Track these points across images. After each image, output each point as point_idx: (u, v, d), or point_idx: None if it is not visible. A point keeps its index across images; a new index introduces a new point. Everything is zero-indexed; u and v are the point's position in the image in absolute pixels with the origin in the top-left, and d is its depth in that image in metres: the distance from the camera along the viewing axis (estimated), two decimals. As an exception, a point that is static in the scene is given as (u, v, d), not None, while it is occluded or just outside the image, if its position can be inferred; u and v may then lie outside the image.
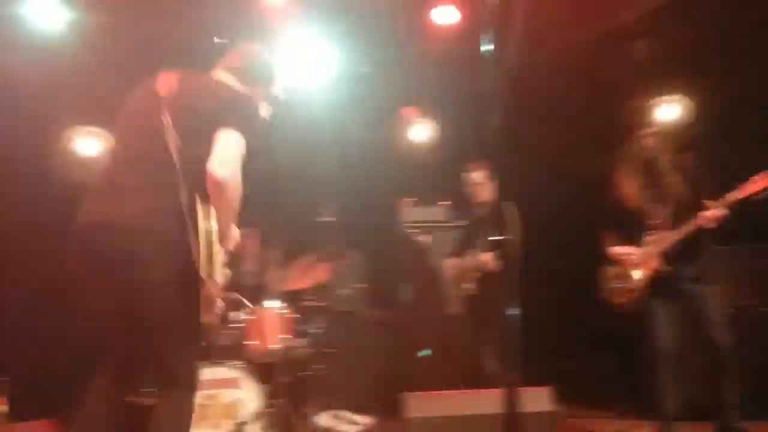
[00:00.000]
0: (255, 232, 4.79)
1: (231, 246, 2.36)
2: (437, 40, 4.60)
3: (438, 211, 5.28)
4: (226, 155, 2.12)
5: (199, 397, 3.76)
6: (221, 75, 2.47)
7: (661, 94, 5.02)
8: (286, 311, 4.21)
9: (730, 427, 3.25)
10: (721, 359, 3.25)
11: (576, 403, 4.50)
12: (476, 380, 4.06)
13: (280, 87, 2.63)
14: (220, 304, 2.25)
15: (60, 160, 4.79)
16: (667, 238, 3.39)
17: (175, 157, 2.14)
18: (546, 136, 4.85)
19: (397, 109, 5.51)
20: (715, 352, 3.26)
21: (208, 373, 3.88)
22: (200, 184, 2.13)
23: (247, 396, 3.87)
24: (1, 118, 4.31)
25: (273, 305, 4.19)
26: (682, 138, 3.93)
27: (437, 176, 5.44)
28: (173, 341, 2.19)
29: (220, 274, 2.24)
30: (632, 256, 3.53)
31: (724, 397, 3.27)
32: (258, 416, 3.82)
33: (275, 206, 5.02)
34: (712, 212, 3.22)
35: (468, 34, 4.40)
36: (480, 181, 4.25)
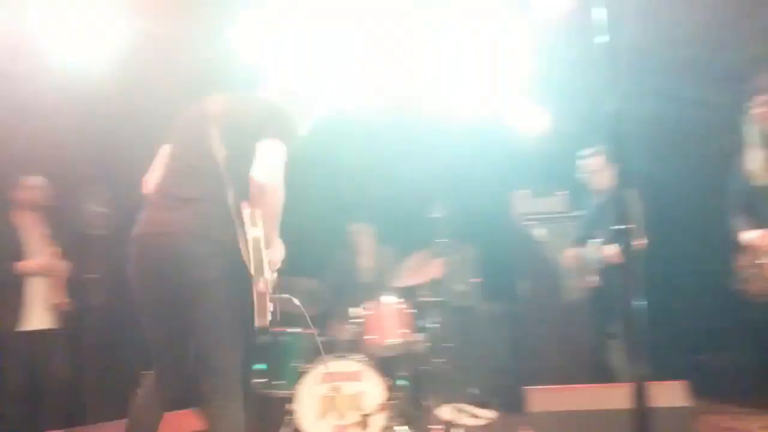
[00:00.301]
0: (369, 229, 4.92)
1: (276, 261, 2.47)
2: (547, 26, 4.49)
3: (554, 202, 5.14)
4: (267, 162, 2.28)
5: (325, 388, 4.00)
6: (265, 93, 2.68)
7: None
8: (403, 306, 4.30)
9: None
10: None
11: (712, 399, 4.25)
12: (601, 374, 3.93)
13: (322, 106, 2.80)
14: (270, 305, 2.32)
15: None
16: None
17: (222, 168, 2.33)
18: (666, 118, 4.59)
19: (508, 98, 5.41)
20: None
21: (332, 366, 4.06)
22: (246, 192, 2.29)
23: (369, 389, 4.01)
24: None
25: (390, 301, 4.29)
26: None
27: (552, 165, 5.30)
28: (226, 342, 2.29)
29: (269, 277, 2.33)
30: (765, 241, 3.26)
31: None
32: (381, 408, 3.94)
33: (388, 203, 5.13)
34: None
35: (580, 17, 4.25)
36: (597, 168, 4.10)
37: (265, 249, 2.29)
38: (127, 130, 4.59)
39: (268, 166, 2.27)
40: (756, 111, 3.31)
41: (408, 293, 4.50)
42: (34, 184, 3.95)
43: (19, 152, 4.34)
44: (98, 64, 3.95)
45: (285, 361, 4.26)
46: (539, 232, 5.03)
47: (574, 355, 4.39)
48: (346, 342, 4.29)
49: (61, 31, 3.76)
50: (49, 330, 3.82)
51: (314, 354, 4.29)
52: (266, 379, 4.22)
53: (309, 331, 4.37)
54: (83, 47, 3.86)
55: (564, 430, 3.37)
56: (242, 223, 2.27)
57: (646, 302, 2.00)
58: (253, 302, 2.21)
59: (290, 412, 3.99)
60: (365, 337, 4.18)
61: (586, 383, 3.74)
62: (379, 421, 3.93)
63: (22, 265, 3.75)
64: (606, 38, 1.83)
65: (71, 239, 4.05)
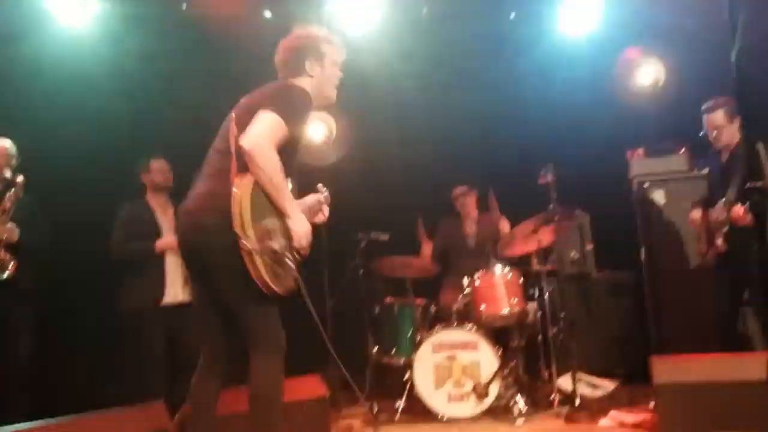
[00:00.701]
0: (472, 193, 4.86)
1: (298, 234, 2.46)
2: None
3: (674, 161, 4.82)
4: (255, 130, 2.37)
5: (440, 358, 4.06)
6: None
7: None
8: (514, 275, 4.24)
9: None
10: None
11: None
12: (733, 343, 3.69)
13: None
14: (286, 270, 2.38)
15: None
16: None
17: (232, 147, 2.42)
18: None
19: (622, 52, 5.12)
20: None
21: (446, 335, 4.10)
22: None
23: (484, 358, 4.01)
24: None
25: (501, 270, 4.25)
26: None
27: (671, 122, 4.96)
28: (249, 304, 2.40)
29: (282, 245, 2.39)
30: None
31: None
32: (496, 377, 3.94)
33: (499, 168, 5.04)
34: None
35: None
36: (721, 123, 3.78)
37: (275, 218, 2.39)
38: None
39: (252, 135, 2.36)
40: None
41: (520, 262, 4.43)
42: (160, 167, 4.24)
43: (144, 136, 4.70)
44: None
45: (400, 330, 4.36)
46: (658, 195, 4.74)
47: (702, 323, 4.13)
48: (459, 311, 4.31)
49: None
50: (187, 303, 4.11)
51: (428, 324, 4.37)
52: (383, 348, 4.35)
53: (420, 301, 4.45)
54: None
55: (693, 403, 3.21)
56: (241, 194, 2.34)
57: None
58: (244, 264, 2.28)
59: (407, 381, 4.09)
60: (478, 306, 4.18)
61: (717, 353, 3.51)
62: (494, 389, 3.94)
63: (160, 244, 4.07)
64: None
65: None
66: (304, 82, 2.65)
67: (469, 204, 4.88)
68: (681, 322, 4.37)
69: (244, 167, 2.37)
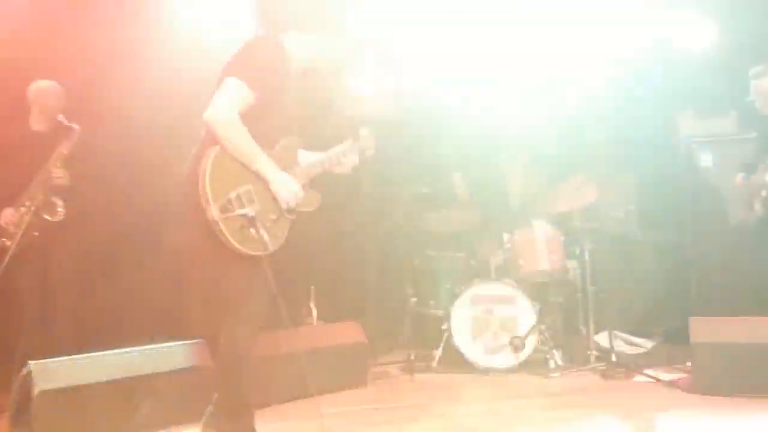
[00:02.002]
0: (519, 152, 4.81)
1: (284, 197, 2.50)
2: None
3: (723, 123, 4.72)
4: (215, 100, 2.40)
5: (478, 311, 4.13)
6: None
7: None
8: (555, 232, 4.26)
9: None
10: None
11: None
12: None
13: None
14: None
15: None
16: None
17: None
18: None
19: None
20: None
21: (484, 288, 4.17)
22: None
23: (521, 312, 4.08)
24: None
25: (542, 226, 4.26)
26: None
27: (721, 83, 4.83)
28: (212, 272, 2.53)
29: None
30: None
31: None
32: (533, 331, 4.01)
33: (545, 125, 4.98)
34: None
35: None
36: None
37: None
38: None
39: (212, 106, 2.39)
40: None
41: (562, 219, 4.43)
42: None
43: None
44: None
45: (439, 282, 4.44)
46: (706, 156, 4.67)
47: (743, 285, 4.12)
48: (498, 266, 4.36)
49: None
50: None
51: (467, 276, 4.43)
52: (422, 299, 4.45)
53: (459, 254, 4.50)
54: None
55: (728, 363, 3.24)
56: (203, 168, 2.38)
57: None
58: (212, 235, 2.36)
59: (445, 331, 4.19)
60: (517, 261, 4.22)
61: (754, 315, 3.52)
62: (530, 343, 4.01)
63: None
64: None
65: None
66: (290, 36, 2.60)
67: (515, 159, 4.84)
68: (721, 283, 4.36)
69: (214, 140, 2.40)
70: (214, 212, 2.33)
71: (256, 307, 2.54)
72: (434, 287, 4.45)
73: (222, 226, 2.34)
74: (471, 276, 4.43)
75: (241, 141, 2.40)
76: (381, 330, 4.70)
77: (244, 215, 2.39)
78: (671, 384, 3.57)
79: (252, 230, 2.40)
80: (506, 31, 4.96)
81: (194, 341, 3.23)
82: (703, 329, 3.39)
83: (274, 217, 2.49)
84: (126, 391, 2.92)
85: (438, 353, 4.21)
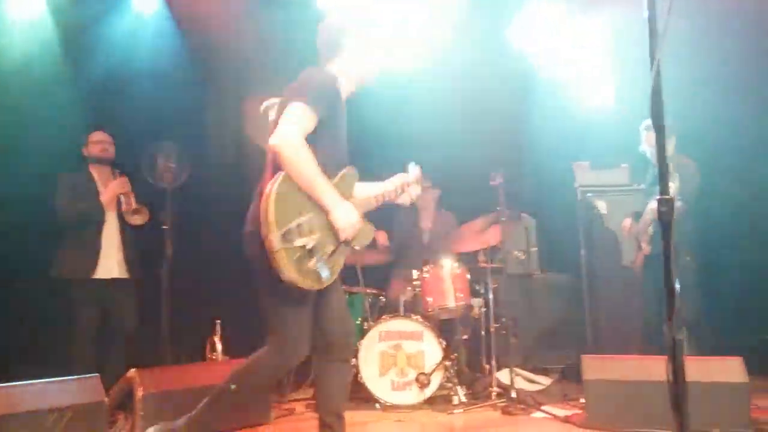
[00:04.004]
0: (434, 189, 4.97)
1: (343, 228, 2.45)
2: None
3: (616, 174, 5.10)
4: (280, 125, 2.35)
5: (386, 346, 4.16)
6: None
7: None
8: (461, 270, 4.40)
9: None
10: None
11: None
12: (658, 343, 3.95)
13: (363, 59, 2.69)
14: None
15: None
16: None
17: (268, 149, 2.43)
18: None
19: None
20: None
21: (393, 324, 4.21)
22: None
23: (428, 348, 4.15)
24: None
25: (449, 264, 4.39)
26: None
27: (616, 137, 5.24)
28: (267, 305, 2.49)
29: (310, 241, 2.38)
30: None
31: None
32: (439, 368, 4.08)
33: (452, 167, 5.18)
34: None
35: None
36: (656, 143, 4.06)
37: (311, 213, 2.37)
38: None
39: (278, 130, 2.34)
40: None
41: (467, 258, 4.59)
42: (100, 139, 4.18)
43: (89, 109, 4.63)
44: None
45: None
46: (600, 204, 5.02)
47: (633, 324, 4.41)
48: (407, 302, 4.43)
49: None
50: (121, 279, 4.08)
51: (376, 313, 4.47)
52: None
53: (371, 290, 4.54)
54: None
55: (619, 399, 3.41)
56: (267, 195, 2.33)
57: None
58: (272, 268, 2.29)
59: (353, 367, 4.17)
60: (425, 298, 4.31)
61: (644, 353, 3.76)
62: (436, 380, 4.08)
63: (105, 195, 4.07)
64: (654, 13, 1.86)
65: (142, 191, 4.28)
66: (339, 65, 2.62)
67: (428, 200, 4.99)
68: (614, 323, 4.64)
69: (278, 168, 2.35)
70: (275, 241, 2.24)
71: (292, 340, 2.47)
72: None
73: (281, 256, 2.25)
74: (380, 312, 4.48)
75: (306, 167, 2.33)
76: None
77: (303, 246, 2.31)
78: (566, 420, 3.71)
79: (309, 262, 2.32)
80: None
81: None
82: (595, 367, 3.56)
83: (331, 248, 2.41)
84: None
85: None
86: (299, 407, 4.16)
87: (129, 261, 4.15)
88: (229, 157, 5.37)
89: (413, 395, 4.07)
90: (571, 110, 5.30)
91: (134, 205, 4.11)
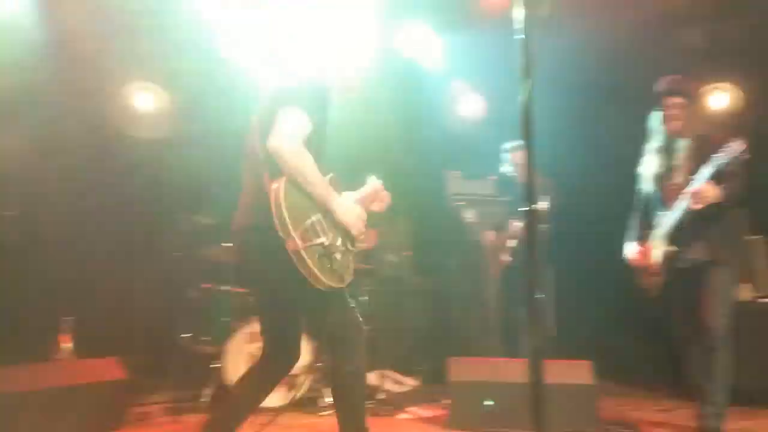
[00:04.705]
0: None
1: (350, 224, 2.47)
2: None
3: (484, 185, 5.33)
4: (280, 128, 2.34)
5: (254, 347, 4.02)
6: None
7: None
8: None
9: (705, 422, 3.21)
10: (710, 343, 3.18)
11: (616, 381, 4.58)
12: (516, 349, 4.18)
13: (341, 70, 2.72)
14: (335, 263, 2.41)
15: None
16: (671, 219, 3.28)
17: (259, 151, 2.42)
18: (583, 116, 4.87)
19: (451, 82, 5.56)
20: (706, 335, 3.18)
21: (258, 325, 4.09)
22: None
23: (298, 350, 4.07)
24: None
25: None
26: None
27: (486, 150, 5.48)
28: (279, 306, 2.51)
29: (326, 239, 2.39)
30: (638, 258, 3.44)
31: (705, 383, 3.21)
32: (307, 370, 4.02)
33: (331, 170, 5.14)
34: (696, 189, 3.06)
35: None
36: (521, 161, 4.32)
37: (309, 212, 2.35)
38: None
39: (278, 134, 2.32)
40: (659, 114, 3.33)
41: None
42: None
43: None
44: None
45: (215, 317, 4.26)
46: (469, 213, 5.21)
47: (494, 329, 4.63)
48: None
49: None
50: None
51: (246, 313, 4.32)
52: (193, 335, 4.22)
53: (240, 289, 4.39)
54: None
55: (483, 400, 3.55)
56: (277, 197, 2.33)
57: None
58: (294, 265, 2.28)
59: (216, 369, 4.01)
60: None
61: (506, 357, 3.95)
62: (304, 382, 4.02)
63: None
64: (522, 36, 1.96)
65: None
66: (321, 72, 2.62)
67: None
68: (480, 326, 4.84)
69: (278, 170, 2.33)
70: (298, 240, 2.24)
71: (294, 342, 2.57)
72: (209, 323, 4.26)
73: (305, 255, 2.24)
74: (251, 312, 4.34)
75: (309, 171, 2.33)
76: (147, 367, 4.36)
77: (320, 244, 2.31)
78: (430, 420, 3.81)
79: (327, 261, 2.34)
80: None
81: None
82: (460, 369, 3.69)
83: (342, 248, 2.43)
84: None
85: (207, 392, 4.01)
86: (156, 411, 3.93)
87: None
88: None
89: (280, 397, 3.96)
90: (446, 120, 5.48)
91: None
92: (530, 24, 1.98)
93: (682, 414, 3.73)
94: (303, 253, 2.25)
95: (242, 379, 2.60)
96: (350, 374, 2.51)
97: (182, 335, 4.21)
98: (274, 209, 2.28)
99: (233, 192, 4.87)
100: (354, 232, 2.48)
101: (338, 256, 2.40)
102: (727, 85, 5.00)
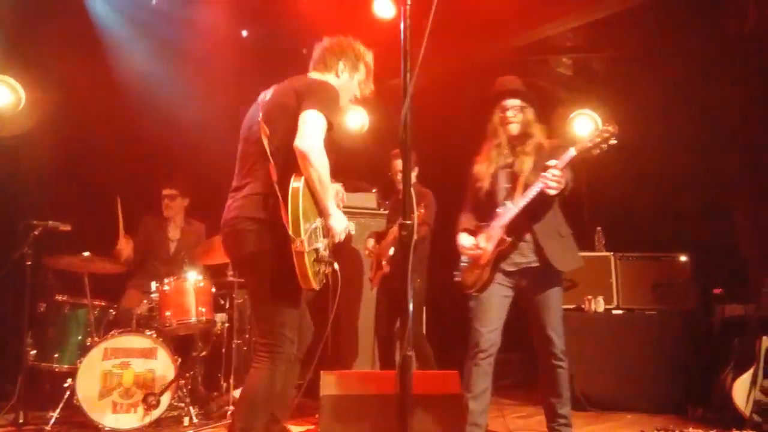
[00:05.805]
0: (181, 201, 4.67)
1: (335, 230, 2.56)
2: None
3: (365, 198, 5.36)
4: (306, 131, 2.41)
5: (111, 365, 3.75)
6: (313, 74, 2.79)
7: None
8: (205, 284, 4.16)
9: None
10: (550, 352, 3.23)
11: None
12: (392, 360, 4.19)
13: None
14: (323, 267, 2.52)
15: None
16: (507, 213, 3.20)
17: (266, 147, 2.49)
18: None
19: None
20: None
21: (123, 341, 3.81)
22: (292, 164, 2.44)
23: (161, 366, 3.83)
24: None
25: (193, 277, 4.12)
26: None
27: (366, 163, 5.52)
28: (272, 303, 2.51)
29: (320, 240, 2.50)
30: (468, 249, 3.36)
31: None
32: (170, 387, 3.79)
33: (201, 178, 4.94)
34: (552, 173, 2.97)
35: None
36: (400, 169, 4.37)
37: (312, 217, 2.43)
38: None
39: (306, 136, 2.39)
40: (494, 117, 3.31)
41: (215, 271, 4.38)
42: None
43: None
44: None
45: (68, 333, 3.92)
46: (351, 226, 5.20)
47: (368, 341, 4.62)
48: (141, 316, 4.06)
49: None
50: None
51: (103, 327, 4.02)
52: (42, 352, 3.86)
53: (97, 302, 4.07)
54: None
55: (354, 413, 3.51)
56: (286, 192, 2.38)
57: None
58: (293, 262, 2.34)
59: (68, 389, 3.68)
60: (163, 312, 3.98)
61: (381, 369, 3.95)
62: (165, 400, 3.78)
63: None
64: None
65: None
66: (330, 80, 2.70)
67: (176, 208, 4.64)
68: (354, 340, 4.81)
69: (283, 167, 2.42)
70: (305, 242, 2.31)
71: (290, 342, 2.60)
72: (61, 338, 3.91)
73: (306, 257, 2.32)
74: (109, 326, 4.03)
75: (326, 174, 2.42)
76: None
77: (317, 249, 2.42)
78: (299, 435, 3.73)
79: (317, 265, 2.44)
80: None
81: None
82: (331, 382, 3.63)
83: (326, 255, 2.52)
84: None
85: (55, 414, 3.66)
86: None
87: None
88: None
89: (137, 418, 3.71)
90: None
91: None
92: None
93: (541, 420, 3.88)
94: (305, 255, 2.33)
95: (250, 387, 2.59)
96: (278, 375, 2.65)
97: (29, 352, 3.83)
98: (290, 208, 2.34)
99: (94, 199, 4.58)
100: (335, 239, 2.59)
101: (324, 262, 2.52)
102: (589, 111, 5.36)
